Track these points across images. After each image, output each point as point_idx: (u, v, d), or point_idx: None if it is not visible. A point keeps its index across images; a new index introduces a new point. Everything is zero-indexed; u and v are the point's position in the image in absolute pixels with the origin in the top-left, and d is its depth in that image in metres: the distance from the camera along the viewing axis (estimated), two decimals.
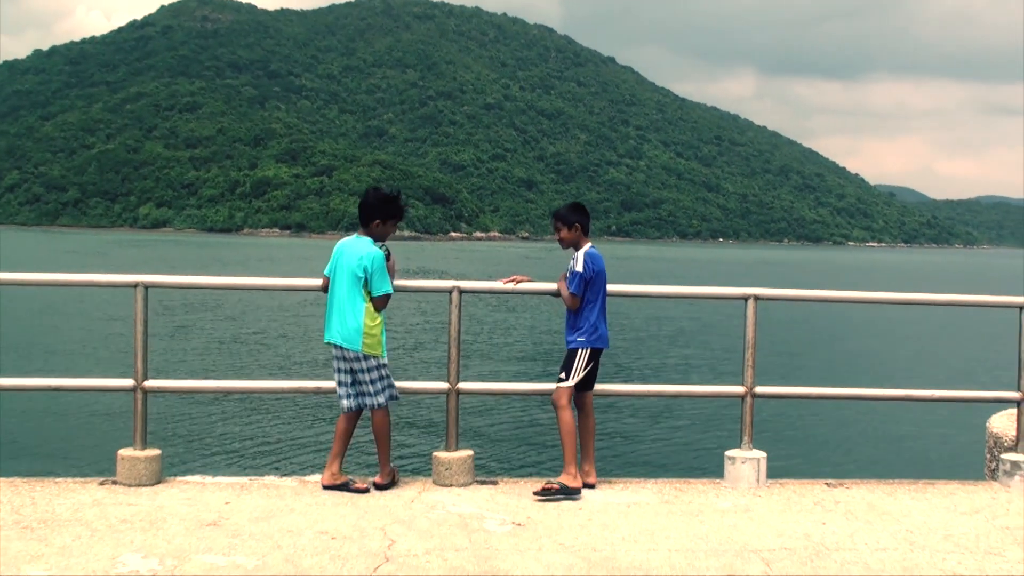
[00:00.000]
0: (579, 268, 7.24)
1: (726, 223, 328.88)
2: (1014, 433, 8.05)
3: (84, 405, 18.19)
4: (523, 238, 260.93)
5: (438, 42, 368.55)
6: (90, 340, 29.70)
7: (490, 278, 9.10)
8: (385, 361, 7.04)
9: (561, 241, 7.49)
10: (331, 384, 7.35)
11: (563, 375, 7.27)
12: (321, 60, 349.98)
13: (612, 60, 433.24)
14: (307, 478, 7.43)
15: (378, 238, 7.14)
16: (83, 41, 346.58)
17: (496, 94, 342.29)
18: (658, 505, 6.96)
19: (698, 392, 12.57)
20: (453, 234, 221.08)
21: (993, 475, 8.19)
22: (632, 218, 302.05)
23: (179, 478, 7.30)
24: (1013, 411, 8.17)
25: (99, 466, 12.36)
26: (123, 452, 7.10)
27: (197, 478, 7.35)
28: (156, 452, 7.16)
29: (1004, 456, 7.95)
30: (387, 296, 7.04)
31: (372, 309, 6.99)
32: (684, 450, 17.43)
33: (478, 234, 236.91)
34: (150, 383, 7.25)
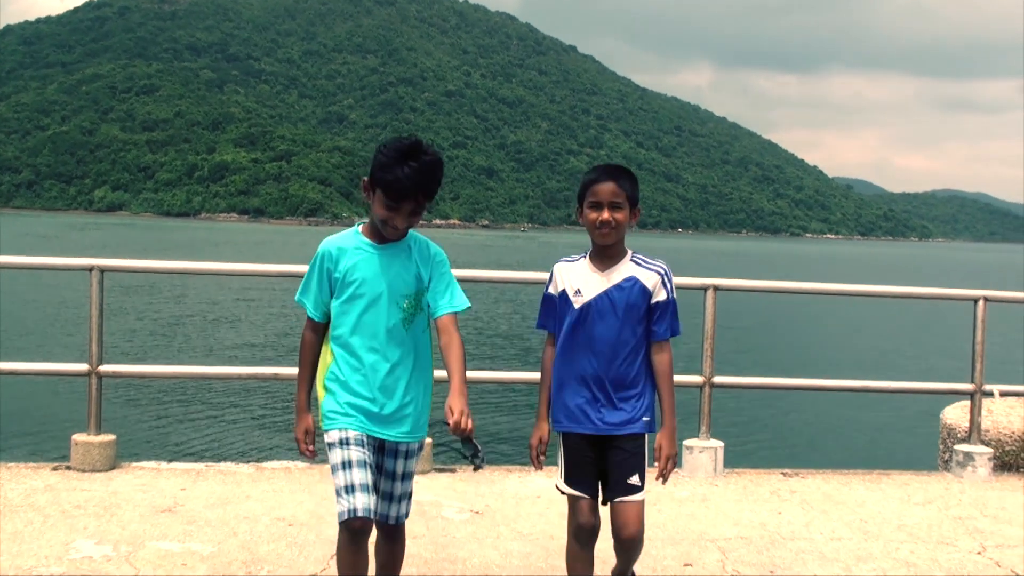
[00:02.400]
0: (666, 294, 4.34)
1: (685, 214, 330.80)
2: (967, 424, 8.15)
3: (38, 390, 17.97)
4: (483, 226, 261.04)
5: (399, 28, 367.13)
6: (44, 324, 29.35)
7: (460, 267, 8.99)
8: (335, 434, 4.02)
9: (605, 226, 4.26)
10: (290, 371, 7.16)
11: (639, 480, 4.35)
12: (281, 44, 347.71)
13: (573, 49, 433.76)
14: (264, 464, 7.39)
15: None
16: (38, 21, 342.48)
17: (457, 81, 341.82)
18: None
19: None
20: None
21: (946, 466, 8.29)
22: None
23: (134, 464, 7.23)
24: (966, 403, 8.26)
25: (52, 451, 12.22)
26: (77, 437, 7.02)
27: (152, 464, 7.28)
28: (111, 437, 7.08)
29: (957, 447, 8.04)
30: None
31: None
32: None
33: (438, 221, 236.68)
34: (105, 368, 7.17)
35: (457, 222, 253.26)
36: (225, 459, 11.76)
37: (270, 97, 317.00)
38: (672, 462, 4.30)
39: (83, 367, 7.14)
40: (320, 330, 4.13)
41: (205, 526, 5.83)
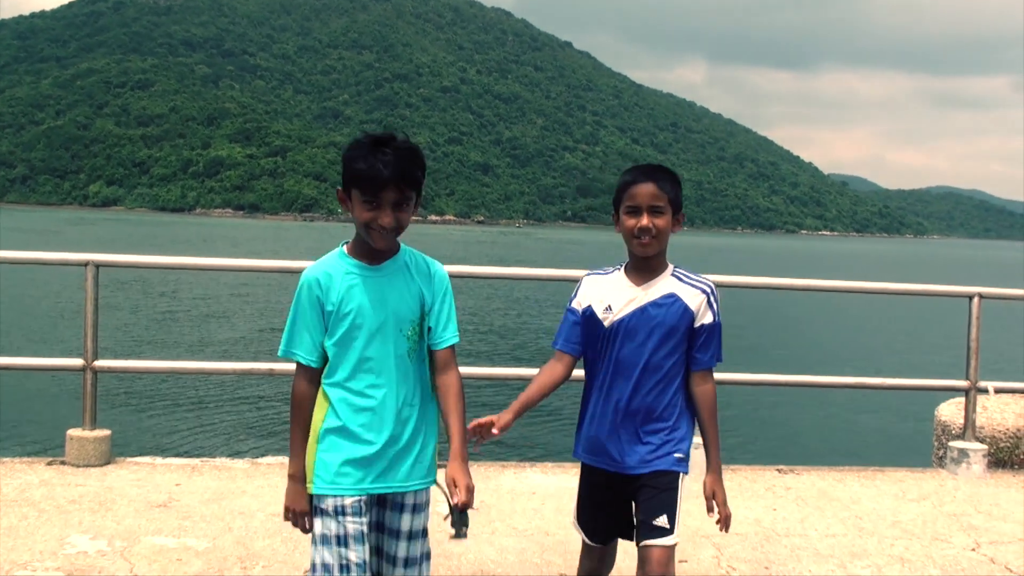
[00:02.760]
0: (712, 317, 3.82)
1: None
2: (962, 421, 8.16)
3: (33, 384, 17.95)
4: (478, 222, 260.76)
5: (395, 23, 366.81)
6: (39, 319, 29.31)
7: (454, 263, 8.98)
8: (330, 500, 3.43)
9: (645, 234, 3.77)
10: (286, 366, 7.18)
11: (666, 522, 3.79)
12: (276, 40, 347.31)
13: (569, 45, 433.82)
14: (259, 460, 7.38)
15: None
16: (32, 15, 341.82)
17: (452, 77, 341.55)
18: None
19: None
20: None
21: (941, 462, 8.30)
22: (587, 204, 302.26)
23: (129, 459, 7.22)
24: (961, 399, 8.27)
25: (47, 446, 12.21)
26: (72, 432, 7.01)
27: (147, 459, 7.27)
28: (106, 432, 7.08)
29: (952, 444, 8.06)
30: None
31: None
32: None
33: (433, 217, 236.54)
34: (100, 363, 7.16)
35: (452, 218, 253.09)
36: (220, 454, 11.77)
37: (265, 93, 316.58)
38: (726, 507, 3.89)
39: (78, 362, 7.13)
40: (316, 379, 3.46)
41: (200, 521, 5.82)
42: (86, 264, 7.07)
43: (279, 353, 3.47)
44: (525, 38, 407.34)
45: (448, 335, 3.53)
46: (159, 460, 7.26)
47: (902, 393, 13.94)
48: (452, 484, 3.36)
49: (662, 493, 3.79)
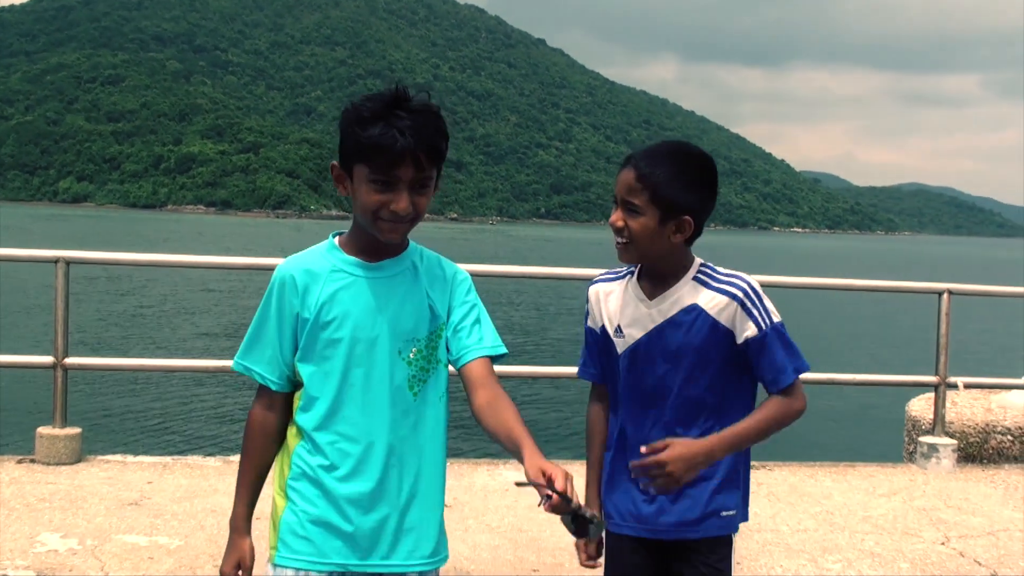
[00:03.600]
0: (755, 326, 2.80)
1: None
2: (932, 416, 8.22)
3: (2, 382, 17.80)
4: (452, 219, 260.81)
5: (368, 20, 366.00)
6: (9, 316, 29.06)
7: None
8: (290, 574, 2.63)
9: (617, 235, 2.87)
10: None
11: None
12: (248, 35, 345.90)
13: (543, 42, 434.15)
14: (231, 458, 7.34)
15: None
16: (1, 9, 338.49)
17: (426, 74, 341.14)
18: (584, 487, 6.98)
19: None
20: None
21: (911, 458, 8.36)
22: (561, 201, 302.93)
23: (100, 457, 7.17)
24: (931, 395, 8.33)
25: (17, 445, 12.11)
26: (42, 430, 6.95)
27: (118, 457, 7.22)
28: (76, 430, 7.02)
29: (922, 439, 8.11)
30: None
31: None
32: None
33: None
34: (71, 360, 7.11)
35: (425, 215, 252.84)
36: (192, 452, 11.70)
37: (237, 88, 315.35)
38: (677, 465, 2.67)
39: (48, 359, 7.07)
40: (280, 406, 2.65)
41: (172, 519, 5.79)
42: (56, 261, 7.01)
43: (232, 365, 2.70)
44: (498, 35, 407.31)
45: (473, 344, 2.65)
46: (130, 458, 7.21)
47: (873, 389, 14.05)
48: (540, 474, 2.43)
49: (706, 569, 2.89)
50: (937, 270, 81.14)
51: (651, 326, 2.84)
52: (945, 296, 8.10)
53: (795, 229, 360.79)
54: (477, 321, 2.70)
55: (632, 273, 2.93)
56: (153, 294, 37.33)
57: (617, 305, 2.92)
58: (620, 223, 2.79)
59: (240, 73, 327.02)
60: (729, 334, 2.78)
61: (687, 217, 2.75)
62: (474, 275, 2.90)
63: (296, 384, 2.63)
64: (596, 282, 3.02)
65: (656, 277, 2.86)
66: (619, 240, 2.82)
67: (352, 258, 2.61)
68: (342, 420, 2.55)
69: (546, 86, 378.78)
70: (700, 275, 2.83)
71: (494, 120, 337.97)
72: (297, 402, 2.61)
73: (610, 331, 2.92)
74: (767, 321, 2.78)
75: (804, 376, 2.83)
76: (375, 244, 2.60)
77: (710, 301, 2.79)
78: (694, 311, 2.79)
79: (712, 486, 2.85)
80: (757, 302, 2.79)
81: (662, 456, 2.66)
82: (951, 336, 8.14)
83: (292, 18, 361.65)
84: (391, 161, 2.46)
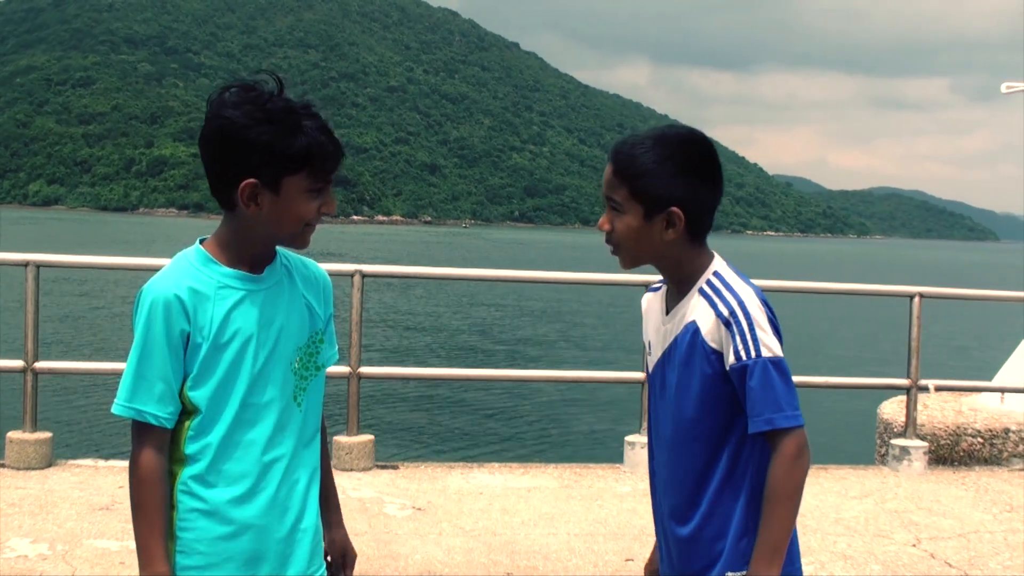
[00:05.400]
0: (735, 353, 2.39)
1: None
2: (904, 419, 8.27)
3: None
4: (426, 222, 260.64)
5: (341, 23, 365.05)
6: None
7: (393, 262, 8.92)
8: None
9: (607, 239, 2.58)
10: None
11: None
12: (220, 38, 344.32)
13: (516, 46, 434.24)
14: None
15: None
16: None
17: (399, 77, 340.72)
18: (558, 490, 7.00)
19: (598, 378, 12.26)
20: (355, 217, 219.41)
21: (883, 460, 8.41)
22: (535, 204, 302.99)
23: (71, 461, 7.12)
24: (903, 398, 8.39)
25: None
26: (12, 435, 6.90)
27: (89, 461, 7.18)
28: (47, 435, 6.98)
29: (894, 441, 8.16)
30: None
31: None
32: (584, 435, 17.56)
33: (380, 218, 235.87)
34: (41, 364, 7.05)
35: (399, 218, 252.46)
36: None
37: (210, 91, 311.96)
38: None
39: (18, 363, 7.02)
40: (166, 446, 2.39)
41: None
42: (26, 264, 6.96)
43: (113, 409, 2.43)
44: (472, 38, 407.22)
45: (332, 352, 2.62)
46: (101, 463, 7.17)
47: (845, 392, 14.13)
48: (340, 556, 2.57)
49: None
50: (909, 273, 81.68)
51: (666, 344, 2.54)
52: (917, 299, 8.16)
53: (768, 233, 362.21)
54: (332, 328, 2.63)
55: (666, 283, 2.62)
56: (124, 297, 37.09)
57: (648, 318, 2.66)
58: (607, 226, 2.51)
59: (213, 75, 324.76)
60: (716, 356, 2.41)
61: (674, 209, 2.42)
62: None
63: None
64: (646, 292, 2.73)
65: (675, 285, 2.55)
66: (609, 245, 2.54)
67: (234, 271, 2.41)
68: (238, 445, 2.38)
69: (520, 89, 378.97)
70: (706, 284, 2.47)
71: (468, 123, 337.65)
72: (186, 432, 2.38)
73: (647, 347, 2.66)
74: (750, 351, 2.35)
75: None
76: (255, 254, 2.43)
77: (704, 318, 2.43)
78: (690, 330, 2.45)
79: (711, 538, 2.47)
80: (745, 325, 2.37)
81: None
82: (923, 339, 8.20)
83: (265, 20, 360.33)
84: (331, 166, 2.38)
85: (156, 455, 2.36)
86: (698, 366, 2.42)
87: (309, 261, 2.62)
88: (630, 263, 2.54)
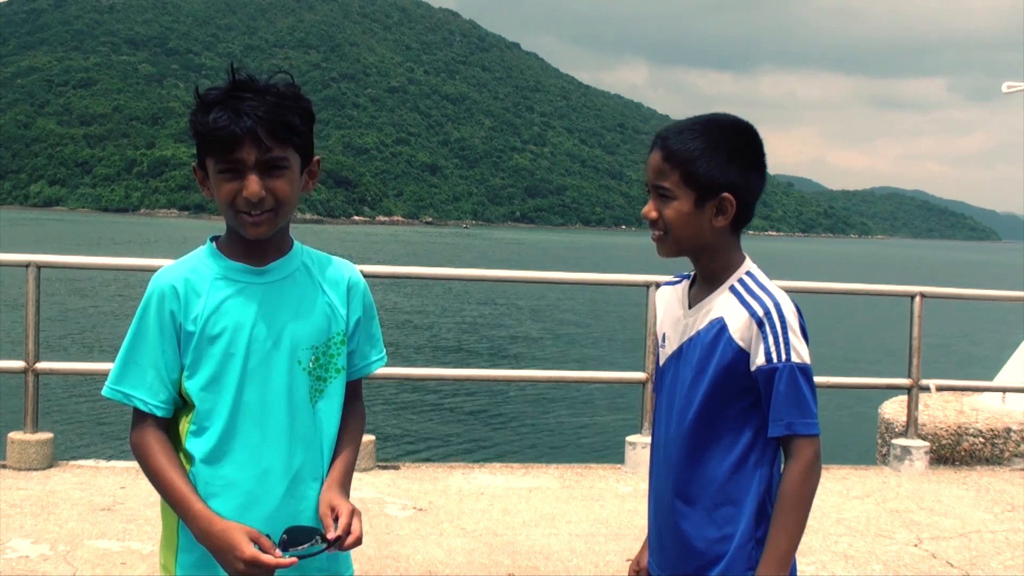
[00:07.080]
0: (765, 354, 2.37)
1: (629, 211, 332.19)
2: (905, 419, 8.27)
3: None
4: (426, 223, 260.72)
5: (342, 23, 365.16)
6: None
7: (394, 262, 8.92)
8: None
9: (652, 227, 2.54)
10: None
11: None
12: (221, 39, 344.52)
13: (517, 46, 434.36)
14: None
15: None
16: None
17: (400, 77, 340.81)
18: (559, 490, 7.00)
19: (600, 378, 12.23)
20: (356, 218, 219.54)
21: (884, 460, 8.41)
22: (536, 204, 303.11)
23: (72, 462, 7.12)
24: (904, 398, 8.39)
25: None
26: (13, 435, 6.90)
27: (91, 462, 7.18)
28: (48, 435, 6.98)
29: (895, 441, 8.16)
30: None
31: None
32: (585, 436, 17.56)
33: (381, 218, 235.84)
34: (42, 365, 7.05)
35: (400, 219, 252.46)
36: None
37: None
38: None
39: (19, 364, 7.02)
40: (163, 431, 2.39)
41: (144, 524, 5.76)
42: (28, 265, 6.97)
43: (103, 392, 2.45)
44: (473, 39, 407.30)
45: (377, 356, 2.58)
46: (103, 463, 7.16)
47: (846, 392, 14.11)
48: (329, 511, 2.36)
49: None
50: (910, 273, 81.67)
51: (685, 337, 2.50)
52: (918, 299, 8.16)
53: (769, 233, 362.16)
54: (376, 332, 2.57)
55: (688, 276, 2.61)
56: (124, 298, 37.11)
57: (666, 311, 2.62)
58: (653, 213, 2.47)
59: (213, 76, 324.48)
60: (743, 356, 2.39)
61: (727, 194, 2.41)
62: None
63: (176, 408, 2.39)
64: (661, 286, 2.72)
65: (706, 279, 2.52)
66: (654, 233, 2.50)
67: (236, 263, 2.39)
68: (235, 445, 2.33)
69: (520, 90, 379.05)
70: (738, 283, 2.45)
71: (469, 124, 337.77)
72: (187, 427, 2.37)
73: (660, 340, 2.63)
74: (781, 354, 2.35)
75: None
76: (258, 245, 2.38)
77: (735, 316, 2.40)
78: (716, 326, 2.42)
79: (719, 536, 2.46)
80: (780, 328, 2.36)
81: None
82: (924, 339, 8.20)
83: (266, 21, 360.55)
84: (230, 144, 2.25)
85: (154, 432, 2.36)
86: (717, 362, 2.40)
87: (339, 261, 2.55)
88: (674, 252, 2.50)
